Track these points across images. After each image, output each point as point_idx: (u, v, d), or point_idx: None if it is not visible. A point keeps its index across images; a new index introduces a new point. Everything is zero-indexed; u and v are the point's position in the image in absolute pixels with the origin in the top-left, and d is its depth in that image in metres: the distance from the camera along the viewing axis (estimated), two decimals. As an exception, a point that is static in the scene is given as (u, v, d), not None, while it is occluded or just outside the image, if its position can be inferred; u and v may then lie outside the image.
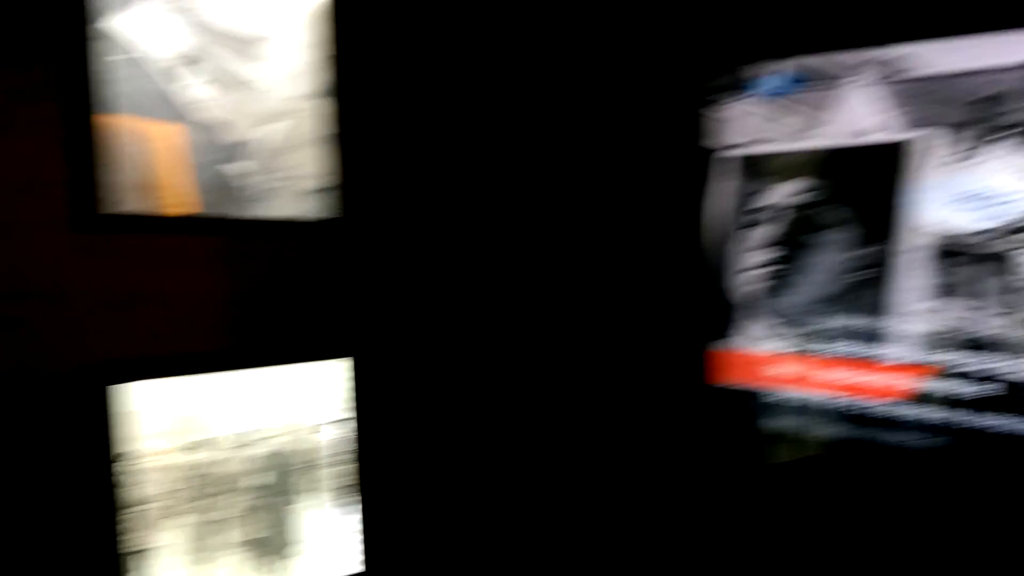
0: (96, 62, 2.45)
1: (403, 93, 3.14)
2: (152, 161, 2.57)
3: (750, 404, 3.17)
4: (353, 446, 2.93)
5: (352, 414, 2.93)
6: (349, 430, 2.92)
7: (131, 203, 2.51)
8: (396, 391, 3.09)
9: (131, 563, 2.46)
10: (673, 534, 3.43)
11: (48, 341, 2.39)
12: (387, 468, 3.03)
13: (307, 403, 2.84)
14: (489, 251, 3.37)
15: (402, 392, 3.11)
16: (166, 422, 2.55)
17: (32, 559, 2.36)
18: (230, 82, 2.72)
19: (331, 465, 2.88)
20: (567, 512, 3.50)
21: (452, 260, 3.25)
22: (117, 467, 2.45)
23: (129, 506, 2.47)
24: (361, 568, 2.93)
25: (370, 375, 3.00)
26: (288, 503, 2.77)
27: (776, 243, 3.13)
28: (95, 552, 2.43)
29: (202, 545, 2.60)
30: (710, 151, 3.25)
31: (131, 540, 2.47)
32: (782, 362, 3.08)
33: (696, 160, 3.29)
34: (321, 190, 2.89)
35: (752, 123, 3.15)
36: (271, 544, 2.73)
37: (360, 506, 2.93)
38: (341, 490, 2.90)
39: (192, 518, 2.58)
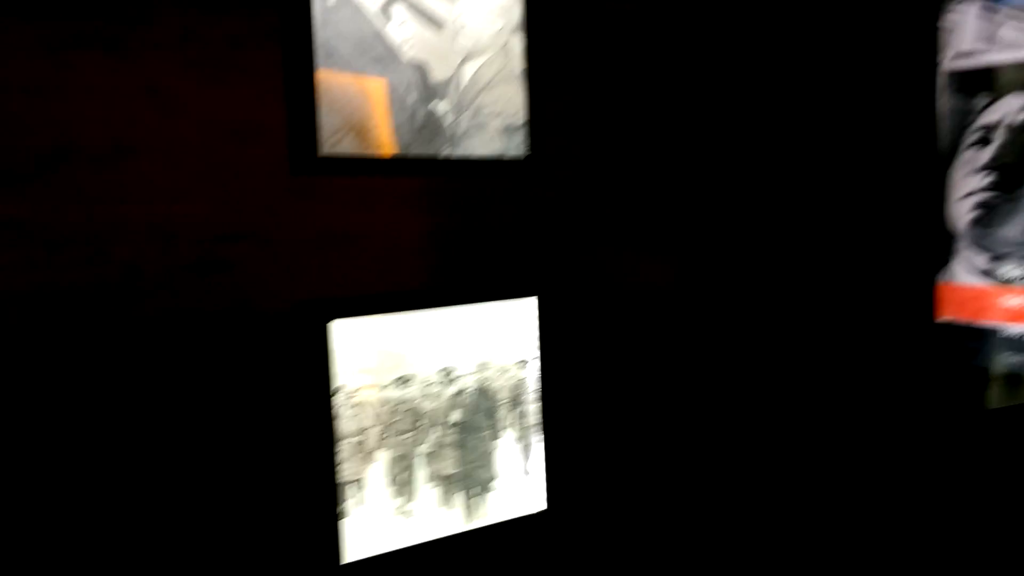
0: (313, 7, 2.48)
1: (594, 26, 3.08)
2: (361, 103, 2.60)
3: (972, 341, 3.03)
4: (539, 385, 2.98)
5: (538, 353, 2.97)
6: (537, 369, 2.97)
7: (342, 146, 2.57)
8: (584, 331, 3.11)
9: (343, 494, 2.60)
10: (886, 475, 3.38)
11: (264, 280, 2.49)
12: (571, 407, 3.08)
13: (501, 342, 2.89)
14: (690, 185, 3.32)
15: (591, 332, 3.13)
16: (373, 359, 2.64)
17: (252, 491, 2.51)
18: (432, 21, 2.71)
19: (521, 403, 2.94)
20: (764, 450, 3.50)
21: (647, 196, 3.22)
22: (331, 401, 2.56)
23: (341, 439, 2.59)
24: (544, 507, 3.01)
25: (556, 314, 3.03)
26: (482, 440, 2.86)
27: (1000, 165, 2.92)
28: (312, 483, 2.57)
29: (404, 478, 2.71)
30: (936, 64, 3.05)
31: (343, 472, 2.60)
32: (1006, 295, 2.91)
33: (923, 74, 3.11)
34: (518, 128, 2.89)
35: (982, 30, 2.93)
36: (466, 480, 2.83)
37: (544, 445, 2.99)
38: (529, 428, 2.96)
39: (395, 452, 2.69)
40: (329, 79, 2.53)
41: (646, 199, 3.25)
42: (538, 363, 2.98)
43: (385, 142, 2.66)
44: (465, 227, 2.85)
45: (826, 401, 3.51)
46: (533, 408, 2.97)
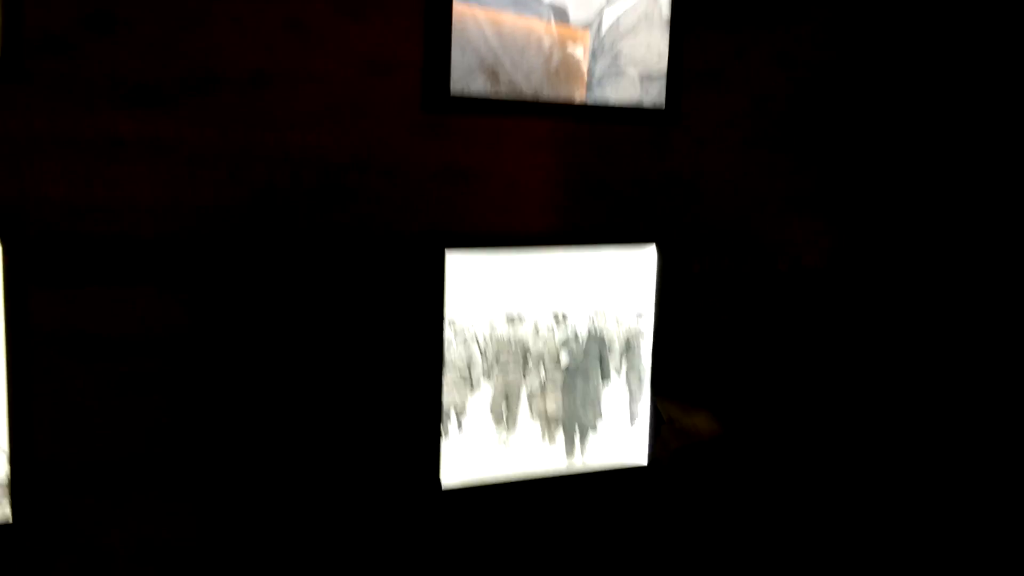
0: (454, -56, 2.52)
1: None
2: (496, 44, 2.63)
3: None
4: (653, 338, 2.98)
5: (654, 305, 2.96)
6: (650, 318, 2.97)
7: (475, 86, 2.61)
8: (705, 288, 3.07)
9: (446, 418, 2.74)
10: None
11: (388, 211, 2.60)
12: (683, 365, 3.06)
13: (619, 291, 2.91)
14: (838, 154, 3.16)
15: (712, 290, 3.08)
16: (487, 295, 2.73)
17: (362, 408, 2.69)
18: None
19: (633, 354, 2.96)
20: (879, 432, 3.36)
21: (792, 157, 3.09)
22: (442, 330, 2.68)
23: (449, 367, 2.72)
24: (644, 463, 3.03)
25: (675, 266, 2.99)
26: (589, 385, 2.91)
27: None
28: (417, 403, 2.72)
29: (507, 411, 2.82)
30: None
31: (448, 397, 2.73)
32: None
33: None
34: (657, 77, 2.83)
35: None
36: (569, 421, 2.90)
37: (651, 397, 3.00)
38: (640, 381, 2.98)
39: (501, 386, 2.79)
40: (466, 17, 2.58)
41: (791, 160, 3.11)
42: (652, 316, 2.97)
43: (518, 84, 2.68)
44: (593, 173, 2.85)
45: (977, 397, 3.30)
46: (645, 361, 2.98)
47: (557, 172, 2.80)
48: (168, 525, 2.46)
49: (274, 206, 2.45)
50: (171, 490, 2.45)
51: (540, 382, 2.85)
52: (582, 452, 2.94)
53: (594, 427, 2.95)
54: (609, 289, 2.90)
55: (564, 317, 2.85)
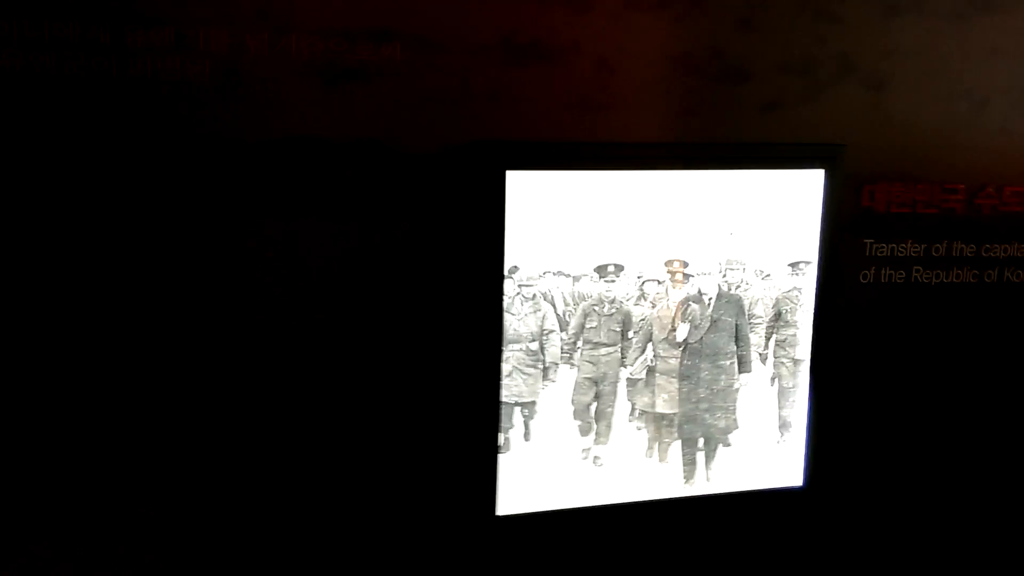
0: None
1: None
2: None
3: None
4: (816, 303, 2.00)
5: (818, 254, 1.99)
6: (815, 278, 1.99)
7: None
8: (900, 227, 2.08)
9: (507, 421, 1.82)
10: None
11: (416, 107, 1.72)
12: (860, 344, 2.08)
13: (766, 233, 1.94)
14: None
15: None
16: (569, 235, 1.80)
17: (382, 405, 1.81)
18: None
19: (786, 326, 1.99)
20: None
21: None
22: (502, 284, 1.76)
23: (510, 343, 1.80)
24: (801, 483, 2.06)
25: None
26: (720, 371, 1.95)
27: None
28: (467, 400, 1.82)
29: (597, 410, 1.88)
30: None
31: (509, 390, 1.81)
32: None
33: None
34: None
35: None
36: (689, 425, 1.94)
37: (812, 392, 2.02)
38: (795, 364, 2.01)
39: (587, 371, 1.86)
40: None
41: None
42: (816, 269, 1.99)
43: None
44: (735, 51, 1.91)
45: None
46: (803, 336, 2.00)
47: (678, 48, 1.86)
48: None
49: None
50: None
51: (647, 367, 1.91)
52: (707, 475, 1.98)
53: (725, 439, 1.98)
54: (753, 231, 1.93)
55: (684, 268, 1.89)
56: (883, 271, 2.08)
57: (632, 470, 1.93)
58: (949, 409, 2.18)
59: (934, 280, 2.11)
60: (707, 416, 1.95)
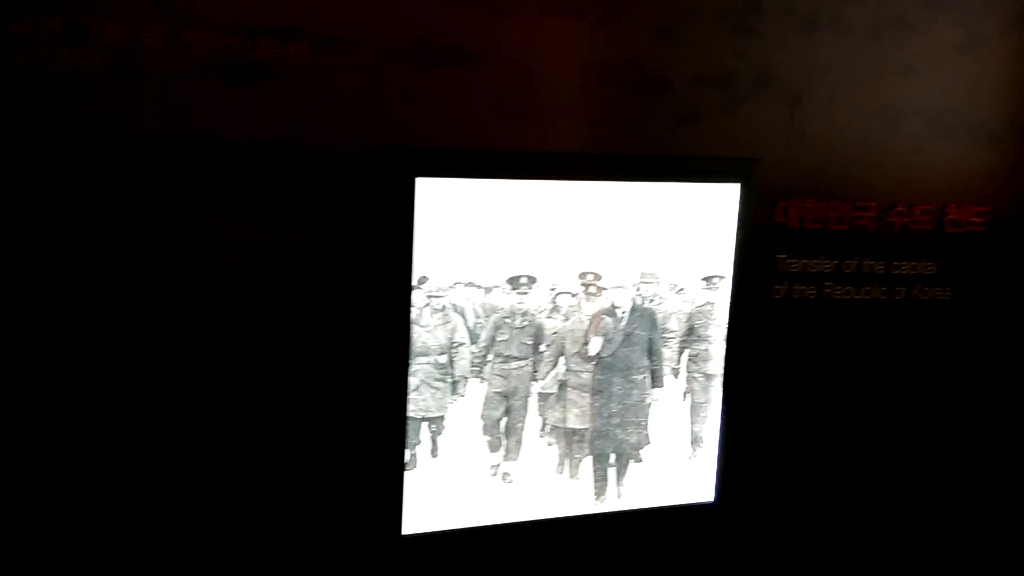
0: None
1: None
2: None
3: None
4: (729, 317, 1.99)
5: (733, 268, 1.98)
6: (729, 293, 1.98)
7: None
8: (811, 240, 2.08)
9: (413, 436, 1.76)
10: None
11: (322, 112, 1.65)
12: (774, 353, 2.08)
13: (681, 246, 1.91)
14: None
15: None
16: (479, 245, 1.75)
17: (285, 419, 1.73)
18: None
19: (699, 340, 1.97)
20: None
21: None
22: (410, 296, 1.70)
23: (418, 355, 1.73)
24: (712, 497, 2.04)
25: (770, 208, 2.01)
26: (633, 386, 1.92)
27: None
28: (369, 415, 1.75)
29: (506, 425, 1.83)
30: None
31: (416, 405, 1.75)
32: None
33: None
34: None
35: None
36: (601, 440, 1.91)
37: (724, 405, 2.01)
38: (708, 379, 1.99)
39: (497, 385, 1.81)
40: None
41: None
42: (730, 284, 1.98)
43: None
44: (654, 63, 1.88)
45: None
46: (716, 351, 1.99)
47: (597, 57, 1.83)
48: None
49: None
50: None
51: (558, 381, 1.87)
52: (618, 491, 1.95)
53: (636, 455, 1.96)
54: (668, 243, 1.91)
55: (597, 282, 1.86)
56: (795, 287, 2.08)
57: (542, 487, 1.89)
58: (859, 423, 2.20)
59: (845, 296, 2.12)
60: (619, 431, 1.93)
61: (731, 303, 1.98)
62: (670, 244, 1.91)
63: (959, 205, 2.17)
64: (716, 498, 2.03)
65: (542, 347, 1.84)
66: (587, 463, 1.92)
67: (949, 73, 2.10)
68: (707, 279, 1.96)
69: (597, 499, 1.93)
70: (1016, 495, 2.33)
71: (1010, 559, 2.35)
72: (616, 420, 1.92)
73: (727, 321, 1.98)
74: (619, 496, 1.95)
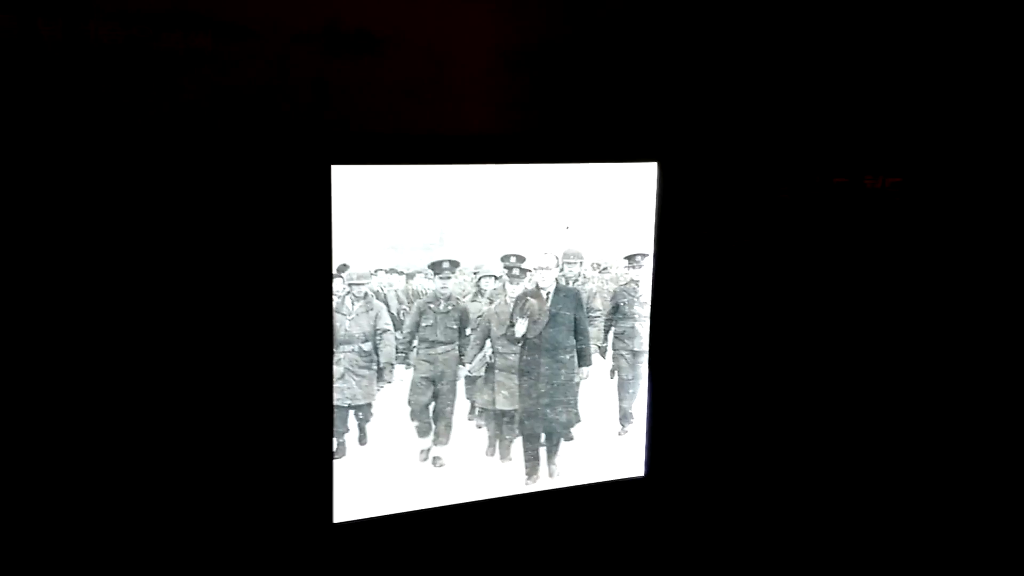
0: None
1: None
2: None
3: None
4: (653, 295, 2.01)
5: (654, 247, 2.00)
6: (651, 271, 2.00)
7: None
8: (734, 223, 2.12)
9: (341, 424, 1.74)
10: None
11: (235, 98, 1.62)
12: (698, 331, 2.11)
13: (603, 226, 1.93)
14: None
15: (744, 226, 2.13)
16: (400, 230, 1.74)
17: (207, 410, 1.71)
18: None
19: (625, 318, 1.99)
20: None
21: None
22: (331, 283, 1.68)
23: (341, 343, 1.72)
24: (643, 471, 2.07)
25: (689, 192, 2.04)
26: (560, 366, 1.93)
27: None
28: (297, 404, 1.73)
29: (435, 410, 1.83)
30: None
31: (342, 393, 1.74)
32: None
33: None
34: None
35: None
36: (529, 421, 1.92)
37: (650, 382, 2.04)
38: (634, 356, 2.01)
39: (423, 370, 1.81)
40: None
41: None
42: (653, 262, 2.00)
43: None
44: (570, 44, 1.89)
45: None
46: (642, 328, 2.01)
47: (511, 41, 1.83)
48: None
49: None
50: None
51: (485, 364, 1.87)
52: (550, 470, 1.97)
53: (567, 434, 1.97)
54: (590, 224, 1.92)
55: (521, 264, 1.87)
56: (719, 262, 2.11)
57: (473, 469, 1.89)
58: (785, 396, 2.24)
59: (768, 271, 2.16)
60: (548, 411, 1.94)
61: (654, 281, 2.00)
62: (593, 224, 1.92)
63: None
64: (646, 472, 2.06)
65: (467, 331, 1.85)
66: (518, 444, 1.93)
67: None
68: (630, 258, 1.98)
69: (529, 479, 1.95)
70: (947, 466, 2.40)
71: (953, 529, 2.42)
72: (545, 400, 1.93)
73: (651, 299, 2.00)
74: (551, 475, 1.96)
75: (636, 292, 1.99)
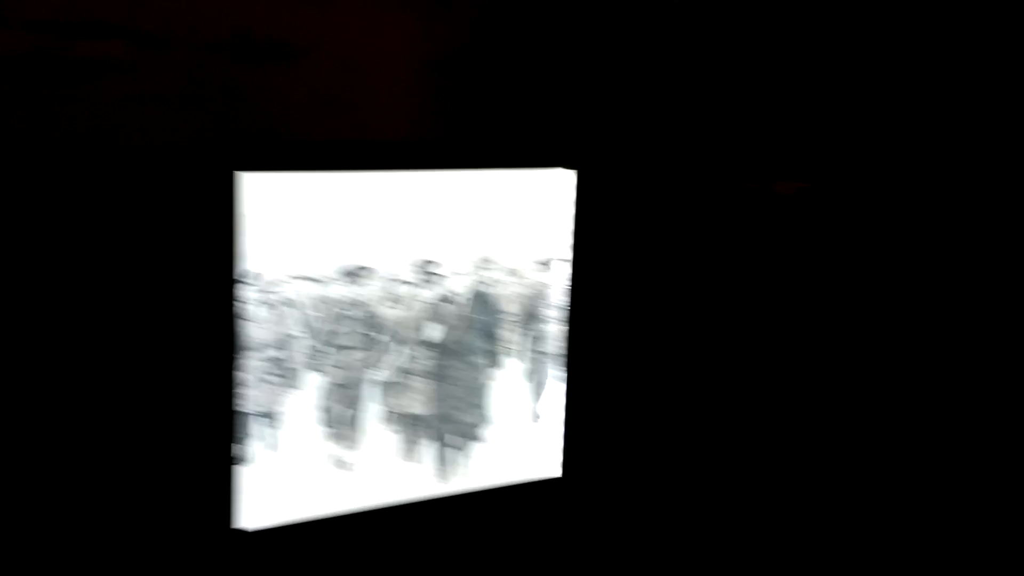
0: None
1: None
2: None
3: None
4: (568, 297, 2.05)
5: (572, 251, 2.04)
6: (567, 274, 2.04)
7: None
8: (646, 226, 2.17)
9: (246, 430, 1.75)
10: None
11: (139, 105, 1.63)
12: (611, 333, 2.16)
13: (516, 231, 1.96)
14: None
15: (655, 228, 2.18)
16: (308, 237, 1.76)
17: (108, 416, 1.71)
18: None
19: (538, 321, 2.03)
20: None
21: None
22: (234, 292, 1.69)
23: (250, 350, 1.73)
24: (559, 472, 2.11)
25: (604, 197, 2.09)
26: (472, 370, 1.96)
27: None
28: (201, 412, 1.74)
29: (346, 416, 1.85)
30: None
31: (249, 400, 1.75)
32: None
33: None
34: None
35: None
36: (443, 425, 1.95)
37: (567, 383, 2.08)
38: (546, 358, 2.05)
39: (335, 376, 1.83)
40: None
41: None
42: (569, 265, 2.04)
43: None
44: (484, 50, 1.92)
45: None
46: (555, 330, 2.05)
47: (424, 48, 1.86)
48: None
49: None
50: None
51: (397, 370, 1.90)
52: (464, 473, 2.00)
53: (477, 435, 2.00)
54: (504, 228, 1.95)
55: (433, 270, 1.89)
56: (631, 265, 2.16)
57: (386, 474, 1.91)
58: (699, 395, 2.30)
59: (681, 275, 2.21)
60: (461, 415, 1.97)
61: (568, 284, 2.04)
62: (507, 228, 1.95)
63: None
64: (563, 473, 2.10)
65: (380, 336, 1.87)
66: (430, 448, 1.95)
67: None
68: (544, 262, 2.01)
69: (443, 482, 1.97)
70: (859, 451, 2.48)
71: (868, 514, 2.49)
72: (458, 404, 1.96)
73: (565, 302, 2.04)
74: (465, 478, 1.99)
75: (549, 296, 2.03)
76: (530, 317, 2.01)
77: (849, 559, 2.43)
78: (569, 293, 2.05)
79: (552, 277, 2.02)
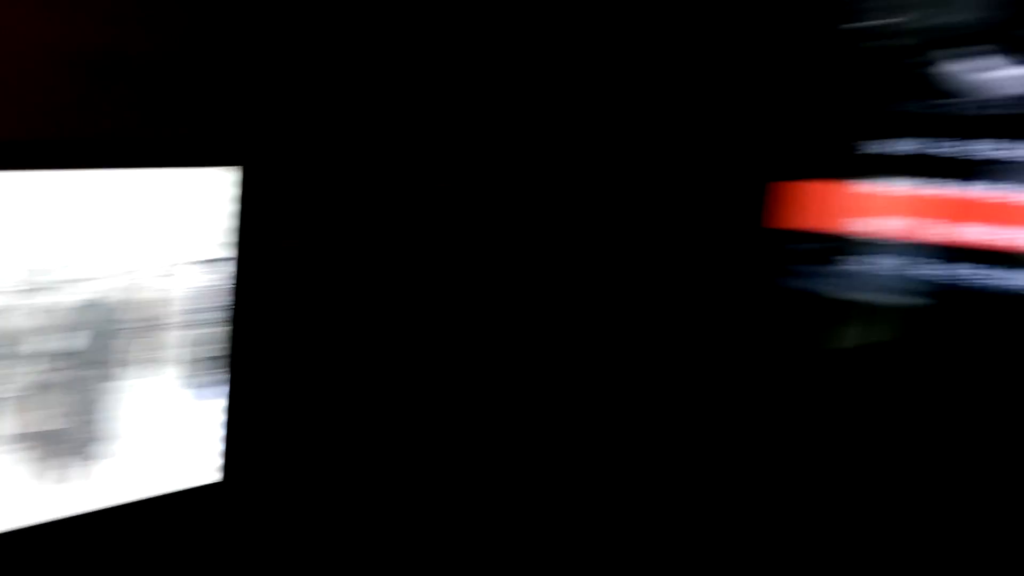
0: None
1: None
2: None
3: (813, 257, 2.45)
4: (231, 299, 2.00)
5: (232, 251, 1.98)
6: (222, 276, 1.98)
7: None
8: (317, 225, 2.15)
9: None
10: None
11: None
12: (274, 335, 2.13)
13: (162, 228, 1.87)
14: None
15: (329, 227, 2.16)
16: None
17: None
18: None
19: (188, 326, 1.95)
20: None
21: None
22: None
23: None
24: (219, 477, 2.06)
25: (269, 194, 2.05)
26: (108, 379, 1.86)
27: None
28: None
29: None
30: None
31: None
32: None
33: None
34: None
35: None
36: (74, 439, 1.84)
37: (230, 387, 2.03)
38: (200, 364, 1.99)
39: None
40: None
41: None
42: (213, 267, 1.98)
43: None
44: (124, 40, 1.82)
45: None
46: (214, 333, 1.99)
47: (56, 37, 1.72)
48: None
49: None
50: None
51: (26, 382, 1.77)
52: (116, 486, 1.90)
53: (128, 447, 1.91)
54: (159, 228, 1.86)
55: (70, 273, 1.77)
56: (303, 262, 2.14)
57: (24, 496, 1.78)
58: (358, 398, 2.32)
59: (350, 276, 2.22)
60: (107, 427, 1.87)
61: (229, 284, 1.98)
62: (162, 228, 1.86)
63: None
64: (224, 477, 2.06)
65: (6, 348, 1.73)
66: (73, 464, 1.84)
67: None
68: (204, 261, 1.94)
69: (92, 498, 1.87)
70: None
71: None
72: (102, 415, 1.85)
73: (225, 302, 1.98)
74: (118, 491, 1.90)
75: (208, 296, 1.96)
76: (189, 318, 1.94)
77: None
78: (232, 293, 2.00)
79: (212, 277, 1.96)
